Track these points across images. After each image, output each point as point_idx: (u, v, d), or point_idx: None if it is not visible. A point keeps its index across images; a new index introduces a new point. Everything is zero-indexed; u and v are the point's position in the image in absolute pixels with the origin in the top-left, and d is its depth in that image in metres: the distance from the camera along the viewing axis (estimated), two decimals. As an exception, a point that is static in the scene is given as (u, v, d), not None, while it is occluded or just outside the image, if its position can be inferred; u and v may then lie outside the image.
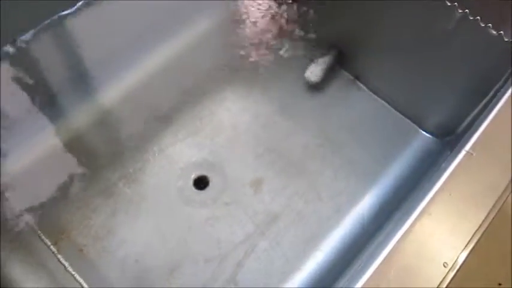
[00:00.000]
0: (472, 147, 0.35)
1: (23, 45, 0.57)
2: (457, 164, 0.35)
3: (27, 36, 0.57)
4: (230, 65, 0.72)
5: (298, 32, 0.74)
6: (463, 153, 0.35)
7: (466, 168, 0.35)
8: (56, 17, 0.58)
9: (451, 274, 0.31)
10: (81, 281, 0.58)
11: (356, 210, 0.63)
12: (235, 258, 0.60)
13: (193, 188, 0.64)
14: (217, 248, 0.60)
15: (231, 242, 0.61)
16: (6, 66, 0.56)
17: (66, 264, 0.58)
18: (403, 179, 0.65)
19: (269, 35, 0.74)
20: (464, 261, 0.31)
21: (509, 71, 0.51)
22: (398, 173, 0.66)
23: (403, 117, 0.69)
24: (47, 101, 0.64)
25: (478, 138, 0.36)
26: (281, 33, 0.75)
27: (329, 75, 0.70)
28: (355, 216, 0.63)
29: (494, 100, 0.41)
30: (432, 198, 0.34)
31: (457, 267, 0.31)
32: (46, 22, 0.57)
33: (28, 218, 0.60)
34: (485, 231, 0.33)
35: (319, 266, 0.60)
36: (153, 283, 0.58)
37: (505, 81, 0.51)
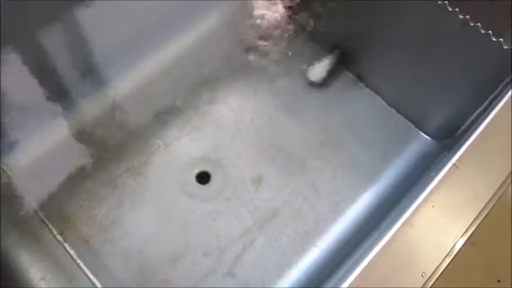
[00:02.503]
0: (459, 160, 0.37)
1: (35, 36, 0.58)
2: (442, 177, 0.36)
3: (39, 27, 0.58)
4: (235, 63, 0.73)
5: (302, 32, 0.74)
6: (449, 165, 0.36)
7: (450, 181, 0.37)
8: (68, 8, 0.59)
9: (429, 284, 0.32)
10: (87, 270, 0.60)
11: (353, 209, 0.64)
12: (234, 252, 0.61)
13: (195, 183, 0.65)
14: (216, 241, 0.62)
15: (231, 236, 0.62)
16: (17, 57, 0.58)
17: (72, 253, 0.61)
18: (400, 179, 0.66)
19: (274, 34, 0.75)
20: (444, 269, 0.33)
21: (506, 80, 0.51)
22: (397, 174, 0.66)
23: (404, 118, 0.70)
24: (56, 92, 0.65)
25: (465, 151, 0.37)
26: (286, 33, 0.75)
27: (332, 74, 0.71)
28: (352, 215, 0.64)
29: (485, 113, 0.42)
30: (415, 210, 0.35)
31: (436, 276, 0.32)
32: (58, 13, 0.59)
33: (35, 207, 0.62)
34: (466, 241, 0.35)
35: (315, 261, 0.61)
36: (156, 273, 0.60)
37: (502, 90, 0.51)
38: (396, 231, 0.34)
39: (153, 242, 0.61)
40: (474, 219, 0.35)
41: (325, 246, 0.62)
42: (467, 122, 0.60)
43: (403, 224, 0.34)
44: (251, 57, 0.74)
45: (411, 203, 0.35)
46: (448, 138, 0.65)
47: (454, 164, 0.36)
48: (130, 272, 0.60)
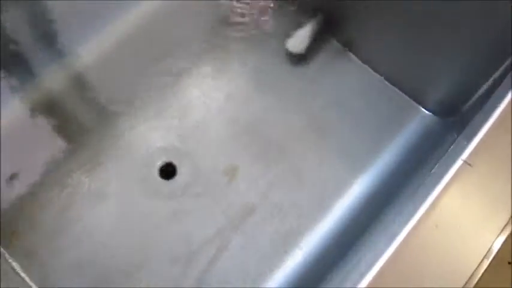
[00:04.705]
0: (471, 157, 0.27)
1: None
2: (451, 178, 0.27)
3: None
4: (202, 35, 0.67)
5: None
6: (459, 163, 0.26)
7: (463, 183, 0.27)
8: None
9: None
10: (33, 286, 0.53)
11: (342, 203, 0.59)
12: (206, 257, 0.56)
13: (158, 178, 0.60)
14: (185, 245, 0.57)
15: (201, 238, 0.57)
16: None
17: (15, 265, 0.54)
18: (399, 165, 0.60)
19: (247, 1, 0.68)
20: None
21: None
22: (394, 158, 0.61)
23: (400, 92, 0.63)
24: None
25: (478, 144, 0.27)
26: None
27: (315, 44, 0.65)
28: (341, 210, 0.58)
29: (498, 92, 0.33)
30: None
31: None
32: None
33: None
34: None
35: (298, 265, 0.56)
36: (115, 286, 0.54)
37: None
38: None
39: (110, 250, 0.56)
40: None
41: (310, 248, 0.57)
42: (476, 96, 0.54)
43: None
44: (220, 28, 0.67)
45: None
46: (454, 115, 0.58)
47: (464, 162, 0.26)
48: (84, 286, 0.54)
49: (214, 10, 0.68)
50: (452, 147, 0.32)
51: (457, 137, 0.36)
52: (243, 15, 0.68)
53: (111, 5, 0.64)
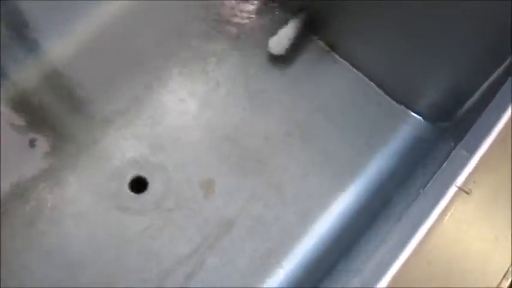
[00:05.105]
0: (468, 181, 0.22)
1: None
2: (444, 208, 0.22)
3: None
4: (179, 36, 0.63)
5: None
6: (452, 189, 0.22)
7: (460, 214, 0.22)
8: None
9: None
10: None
11: (328, 216, 0.55)
12: (179, 277, 0.53)
13: (128, 192, 0.56)
14: (157, 264, 0.53)
15: (174, 258, 0.54)
16: None
17: None
18: (389, 174, 0.57)
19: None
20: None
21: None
22: (384, 166, 0.57)
23: (389, 96, 0.60)
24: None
25: (478, 165, 0.23)
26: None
27: (298, 45, 0.61)
28: (327, 224, 0.55)
29: (499, 99, 0.28)
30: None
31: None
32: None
33: None
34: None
35: (279, 286, 0.52)
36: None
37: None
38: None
39: (77, 269, 0.53)
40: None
41: (292, 267, 0.53)
42: (473, 99, 0.50)
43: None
44: (197, 28, 0.63)
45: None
46: (446, 120, 0.55)
47: (460, 188, 0.22)
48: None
49: (193, 10, 0.64)
50: (444, 165, 0.28)
51: (454, 146, 0.32)
52: (222, 15, 0.64)
53: (85, 3, 0.61)
